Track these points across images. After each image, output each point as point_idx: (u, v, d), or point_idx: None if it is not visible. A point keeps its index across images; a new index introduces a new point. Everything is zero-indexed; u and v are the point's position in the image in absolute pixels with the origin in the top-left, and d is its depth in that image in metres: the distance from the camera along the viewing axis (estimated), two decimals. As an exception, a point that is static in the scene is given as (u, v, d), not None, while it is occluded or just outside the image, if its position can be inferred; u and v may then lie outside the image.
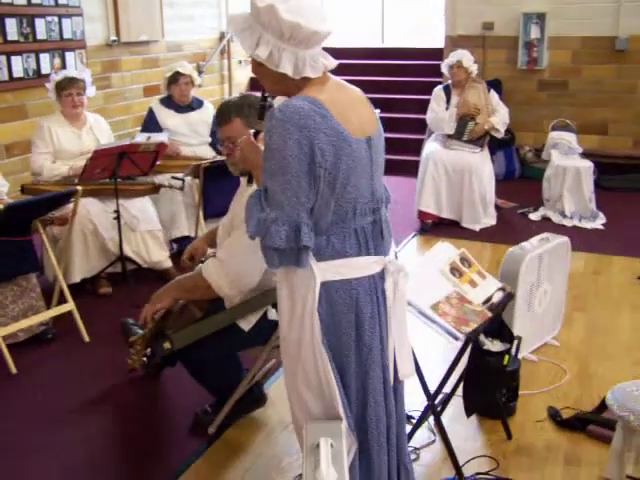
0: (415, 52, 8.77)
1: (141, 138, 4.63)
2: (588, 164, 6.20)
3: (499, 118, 6.01)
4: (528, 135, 7.71)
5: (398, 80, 8.63)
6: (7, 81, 5.85)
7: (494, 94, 6.14)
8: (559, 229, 6.03)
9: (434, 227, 6.01)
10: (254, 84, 8.98)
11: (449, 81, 6.18)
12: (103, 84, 6.83)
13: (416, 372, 2.73)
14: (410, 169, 6.95)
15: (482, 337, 2.81)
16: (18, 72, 5.92)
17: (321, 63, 2.01)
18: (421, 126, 6.57)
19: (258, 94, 2.29)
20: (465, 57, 5.97)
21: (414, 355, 2.67)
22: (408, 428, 2.85)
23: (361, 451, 2.17)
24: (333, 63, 2.07)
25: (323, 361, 2.05)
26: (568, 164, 6.19)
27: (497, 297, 2.88)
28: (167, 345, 2.80)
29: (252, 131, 2.27)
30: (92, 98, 5.13)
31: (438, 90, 6.18)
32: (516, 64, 7.77)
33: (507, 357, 2.80)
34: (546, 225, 6.12)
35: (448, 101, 6.08)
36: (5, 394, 3.57)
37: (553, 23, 7.50)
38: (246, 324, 2.92)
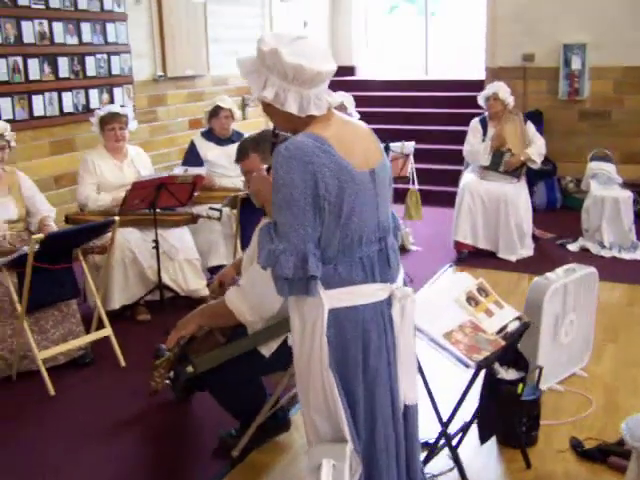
0: (456, 84, 8.85)
1: (179, 170, 4.80)
2: (627, 194, 6.17)
3: (535, 149, 6.03)
4: (569, 165, 7.68)
5: (439, 112, 8.71)
6: (58, 116, 6.11)
7: (530, 125, 6.17)
8: (597, 260, 6.01)
9: (471, 257, 6.04)
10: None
11: (486, 113, 6.23)
12: (149, 117, 7.08)
13: (429, 398, 2.81)
14: (449, 200, 6.99)
15: (497, 366, 2.85)
16: (68, 107, 6.19)
17: (325, 101, 2.12)
18: (460, 157, 6.62)
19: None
20: (501, 89, 6.03)
21: (426, 381, 2.76)
22: (424, 453, 2.92)
23: (370, 474, 2.23)
24: (337, 100, 2.19)
25: (330, 384, 2.13)
26: (606, 194, 6.17)
27: (512, 326, 2.92)
28: (190, 369, 2.91)
29: (265, 166, 2.39)
30: (138, 131, 5.33)
31: (475, 122, 6.24)
32: (557, 94, 7.79)
33: (521, 386, 2.83)
34: (584, 256, 6.09)
35: (485, 133, 6.14)
36: (43, 414, 3.73)
37: (594, 54, 7.52)
38: (267, 350, 3.02)
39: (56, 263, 3.98)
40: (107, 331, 4.25)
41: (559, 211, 7.63)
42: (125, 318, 4.87)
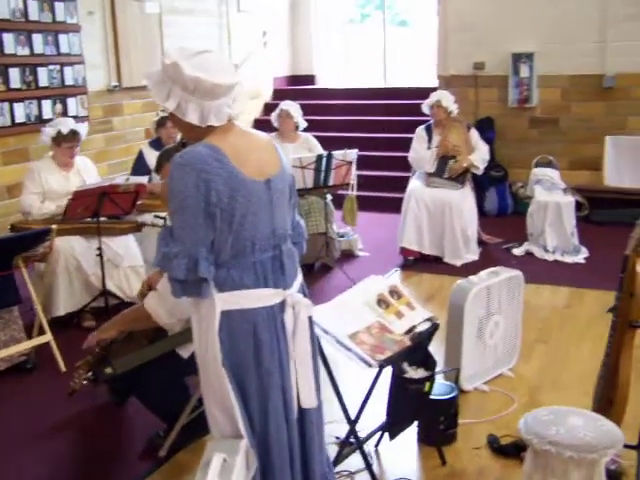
0: (411, 92, 8.99)
1: (120, 180, 4.89)
2: (569, 199, 6.33)
3: (478, 155, 6.18)
4: (520, 171, 7.82)
5: (395, 119, 8.86)
6: (10, 126, 6.19)
7: (474, 132, 6.32)
8: (540, 263, 6.18)
9: (416, 263, 6.17)
10: (259, 124, 9.24)
11: (431, 120, 6.37)
12: (104, 127, 7.17)
13: (337, 397, 2.92)
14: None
15: (405, 365, 2.96)
16: (20, 117, 6.27)
17: (225, 112, 2.23)
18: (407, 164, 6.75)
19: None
20: (444, 97, 6.18)
21: (334, 381, 2.87)
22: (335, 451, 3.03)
23: (265, 469, 2.32)
24: (237, 112, 2.29)
25: (223, 381, 2.23)
26: (549, 199, 6.33)
27: (422, 327, 3.04)
28: (109, 370, 3.01)
29: None
30: (93, 140, 5.36)
31: (420, 130, 6.38)
32: (507, 102, 7.96)
33: (428, 384, 2.95)
34: (528, 260, 6.25)
35: (430, 140, 6.28)
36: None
37: (541, 62, 7.70)
38: (185, 352, 3.13)
39: (-3, 271, 4.07)
40: (47, 337, 4.33)
41: (510, 216, 7.77)
42: (72, 325, 4.94)
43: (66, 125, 5.01)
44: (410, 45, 11.82)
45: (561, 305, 5.28)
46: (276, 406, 2.29)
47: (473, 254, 6.20)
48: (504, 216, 7.79)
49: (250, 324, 2.23)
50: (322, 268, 6.13)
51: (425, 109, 6.35)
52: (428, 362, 3.03)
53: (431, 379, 3.00)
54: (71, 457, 3.49)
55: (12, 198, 6.19)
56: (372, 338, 2.85)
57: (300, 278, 2.43)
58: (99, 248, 4.78)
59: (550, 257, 6.24)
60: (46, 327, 4.36)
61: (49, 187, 5.03)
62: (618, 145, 5.05)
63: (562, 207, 6.27)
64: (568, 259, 6.19)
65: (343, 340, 2.78)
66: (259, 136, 2.37)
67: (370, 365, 2.73)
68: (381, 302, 3.06)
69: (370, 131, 9.02)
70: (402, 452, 3.40)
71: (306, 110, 8.95)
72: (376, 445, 3.40)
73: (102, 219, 4.85)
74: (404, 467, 3.28)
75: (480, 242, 6.55)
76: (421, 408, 3.08)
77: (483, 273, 4.03)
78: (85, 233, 4.97)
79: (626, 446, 3.19)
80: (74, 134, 5.00)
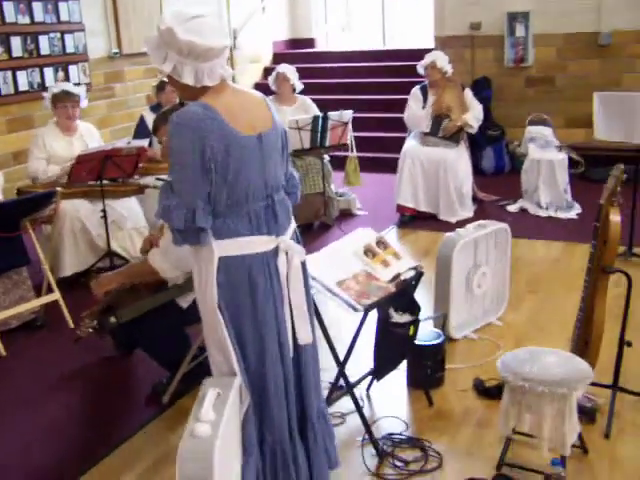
0: (410, 53, 9.05)
1: (121, 143, 5.04)
2: (562, 156, 6.45)
3: (472, 115, 6.29)
4: (517, 130, 7.89)
5: (394, 81, 8.94)
6: (13, 94, 6.34)
7: (468, 92, 6.43)
8: (534, 219, 6.34)
9: (412, 220, 6.33)
10: (259, 88, 9.34)
11: (426, 81, 6.48)
12: (106, 94, 7.31)
13: (327, 341, 3.10)
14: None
15: (391, 310, 3.14)
16: (23, 85, 6.43)
17: (218, 73, 2.37)
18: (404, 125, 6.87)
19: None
20: (439, 58, 6.28)
21: (324, 326, 3.05)
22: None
23: (262, 406, 2.52)
24: (229, 72, 2.44)
25: (219, 323, 2.41)
26: (543, 157, 6.45)
27: (407, 275, 3.21)
28: (113, 319, 3.21)
29: None
30: (96, 107, 5.49)
31: (415, 90, 6.50)
32: (503, 62, 8.04)
33: (412, 328, 3.13)
34: (522, 216, 6.41)
35: (425, 100, 6.39)
36: (-6, 372, 4.05)
37: (537, 21, 7.77)
38: (185, 302, 3.32)
39: (4, 232, 4.24)
40: (55, 295, 4.53)
41: (507, 175, 7.90)
42: (78, 284, 5.13)
43: (59, 87, 5.18)
44: (412, 6, 11.79)
45: (552, 258, 5.44)
46: (271, 346, 2.46)
47: (468, 211, 6.35)
48: (501, 174, 7.92)
49: (245, 269, 2.40)
50: (321, 227, 6.29)
51: (420, 70, 6.45)
52: (413, 308, 3.21)
53: (415, 323, 3.17)
54: (80, 405, 3.71)
55: (18, 164, 6.37)
56: (358, 285, 3.02)
57: (293, 226, 2.59)
58: (103, 210, 4.95)
59: (544, 213, 6.39)
60: (54, 286, 4.56)
61: (53, 152, 5.21)
62: (606, 101, 5.14)
63: (555, 164, 6.40)
64: (561, 215, 6.33)
65: (331, 286, 2.95)
66: (252, 94, 2.52)
67: (356, 309, 2.91)
68: (368, 252, 3.22)
69: (368, 93, 9.11)
70: (392, 395, 3.60)
71: (305, 73, 9.07)
72: (367, 389, 3.59)
73: (105, 182, 5.01)
74: (394, 409, 3.48)
75: (476, 200, 6.70)
76: (406, 351, 3.27)
77: (470, 226, 4.18)
78: (89, 196, 5.13)
79: (602, 385, 3.41)
80: (66, 94, 5.17)
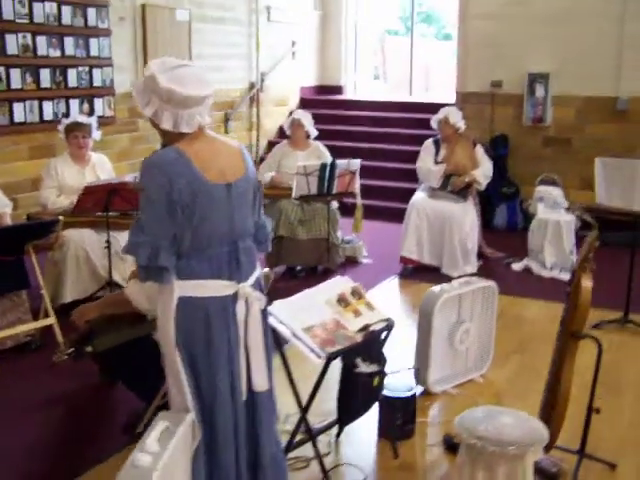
0: (432, 107, 9.17)
1: (130, 177, 5.20)
2: (569, 218, 6.48)
3: (481, 171, 6.37)
4: (532, 189, 7.90)
5: (413, 133, 9.07)
6: (37, 122, 6.59)
7: (479, 148, 6.51)
8: (537, 279, 6.35)
9: (415, 271, 6.38)
10: (282, 133, 9.54)
11: (439, 135, 6.58)
12: (130, 128, 7.54)
13: (291, 387, 3.17)
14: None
15: (358, 360, 3.19)
16: (48, 115, 6.67)
17: (196, 121, 2.49)
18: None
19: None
20: (451, 114, 6.38)
21: (290, 374, 3.12)
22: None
23: (210, 445, 2.56)
24: (207, 120, 2.55)
25: (176, 360, 2.50)
26: (550, 217, 6.49)
27: (377, 326, 3.27)
28: (89, 348, 3.30)
29: None
30: (119, 140, 5.66)
31: (428, 142, 6.60)
32: (522, 120, 8.13)
33: (377, 379, 3.17)
34: (525, 275, 6.44)
35: (437, 153, 6.48)
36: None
37: (556, 82, 7.86)
38: (160, 337, 3.39)
39: (6, 256, 4.39)
40: (51, 320, 4.65)
41: (519, 232, 7.89)
42: (78, 312, 5.26)
43: (73, 117, 5.38)
44: (440, 60, 12.04)
45: (547, 319, 5.41)
46: (223, 388, 2.52)
47: (471, 266, 6.37)
48: (513, 232, 7.94)
49: (203, 310, 2.48)
50: (325, 271, 6.37)
51: (434, 124, 6.55)
52: (380, 359, 3.26)
53: (380, 375, 3.22)
54: (60, 429, 3.81)
55: (35, 191, 6.55)
56: (325, 332, 3.09)
57: (257, 273, 2.66)
58: (107, 241, 5.09)
59: (547, 274, 6.40)
60: (50, 311, 4.68)
61: (64, 181, 5.38)
62: (607, 166, 5.20)
63: (562, 225, 6.42)
64: (565, 276, 6.31)
65: (297, 332, 3.03)
66: (227, 144, 2.62)
67: (319, 356, 2.97)
68: (341, 301, 3.30)
69: (392, 142, 9.25)
70: (361, 443, 3.64)
71: (330, 119, 9.26)
72: (337, 435, 3.63)
73: (112, 214, 5.16)
74: (360, 457, 3.51)
75: (483, 256, 6.74)
76: (370, 401, 3.31)
77: (456, 282, 4.23)
78: (95, 226, 5.28)
79: (568, 450, 3.42)
80: (77, 124, 5.36)
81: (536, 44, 7.95)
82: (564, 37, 7.81)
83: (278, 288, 5.11)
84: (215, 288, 2.50)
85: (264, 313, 2.65)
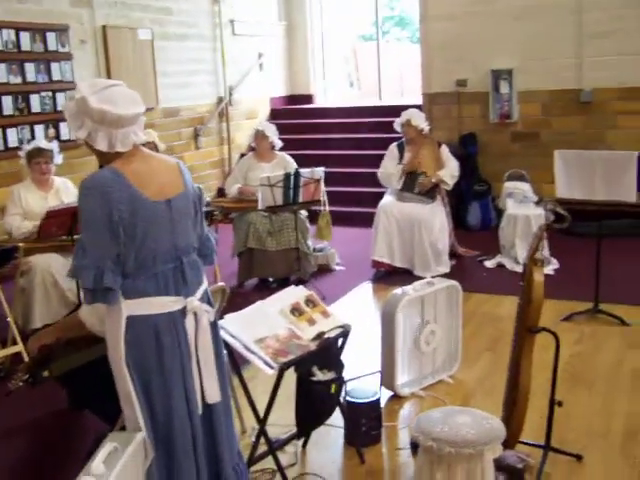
0: (402, 109, 9.19)
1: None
2: (538, 212, 6.48)
3: (448, 171, 6.38)
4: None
5: (384, 137, 9.07)
6: (2, 151, 6.57)
7: (444, 149, 6.53)
8: (510, 275, 6.34)
9: (387, 275, 6.37)
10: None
11: (404, 138, 6.60)
12: (96, 150, 7.50)
13: (247, 398, 3.16)
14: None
15: (314, 369, 3.18)
16: (13, 142, 6.65)
17: (131, 140, 2.48)
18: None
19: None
20: (414, 116, 6.40)
21: (244, 383, 3.11)
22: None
23: (170, 460, 2.56)
24: (142, 138, 2.55)
25: (126, 380, 2.49)
26: (519, 212, 6.51)
27: (332, 333, 3.26)
28: (46, 373, 3.28)
29: None
30: (87, 163, 5.60)
31: (392, 147, 6.62)
32: (489, 118, 8.15)
33: (334, 386, 3.16)
34: (499, 272, 6.44)
35: (401, 157, 6.50)
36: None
37: (521, 78, 7.90)
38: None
39: (-33, 286, 4.39)
40: (18, 347, 4.64)
41: (493, 230, 7.89)
42: (49, 337, 5.24)
43: (34, 144, 5.36)
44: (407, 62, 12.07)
45: (518, 315, 5.43)
46: (178, 403, 2.52)
47: (444, 267, 6.37)
48: (487, 229, 7.95)
49: (152, 328, 2.48)
50: (298, 282, 6.35)
51: (397, 127, 6.57)
52: (338, 366, 3.25)
53: (337, 381, 3.21)
54: (25, 457, 3.78)
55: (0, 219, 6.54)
56: (278, 343, 3.08)
57: (204, 286, 2.65)
58: (74, 264, 5.07)
59: (520, 269, 6.31)
60: (18, 338, 4.67)
61: (29, 207, 5.36)
62: (566, 159, 5.22)
63: (532, 219, 6.44)
64: (538, 270, 6.33)
65: (249, 344, 3.02)
66: (164, 160, 2.62)
67: (271, 367, 2.96)
68: (295, 310, 3.29)
69: (364, 148, 9.26)
70: (328, 451, 3.63)
71: (302, 128, 9.27)
72: (304, 445, 3.62)
73: (77, 237, 5.14)
74: (327, 465, 3.50)
75: (456, 255, 6.75)
76: (328, 409, 3.30)
77: (418, 283, 4.23)
78: (61, 250, 5.26)
79: (533, 445, 3.41)
80: (39, 150, 5.34)
81: (498, 41, 8.00)
82: (525, 33, 7.85)
83: (251, 301, 5.10)
84: (163, 305, 2.50)
85: (214, 325, 2.66)
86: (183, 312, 2.53)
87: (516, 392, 3.31)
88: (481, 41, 8.08)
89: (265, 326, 3.16)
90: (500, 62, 7.97)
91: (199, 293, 2.61)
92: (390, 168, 6.46)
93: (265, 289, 6.21)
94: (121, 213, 2.38)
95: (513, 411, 3.33)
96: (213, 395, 2.61)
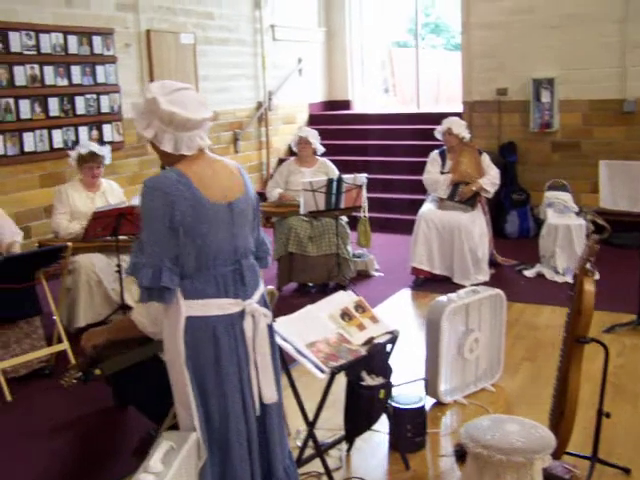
0: (439, 117, 9.19)
1: (136, 201, 5.25)
2: (579, 222, 6.45)
3: (488, 179, 6.37)
4: (542, 195, 7.95)
5: (421, 144, 9.08)
6: (48, 151, 6.68)
7: (485, 156, 6.51)
8: (549, 285, 6.32)
9: (426, 282, 6.37)
10: (292, 150, 9.60)
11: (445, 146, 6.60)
12: (138, 152, 7.61)
13: (297, 401, 3.18)
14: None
15: (364, 373, 3.20)
16: (58, 143, 6.76)
17: (197, 143, 2.52)
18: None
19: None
20: (454, 124, 6.40)
21: (294, 386, 3.14)
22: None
23: (225, 461, 2.58)
24: (207, 142, 2.57)
25: (184, 380, 2.52)
26: (560, 222, 6.47)
27: (381, 339, 3.28)
28: (97, 371, 3.34)
29: None
30: (128, 164, 5.66)
31: (434, 154, 6.62)
32: (529, 127, 8.12)
33: (382, 392, 3.18)
34: (538, 281, 6.41)
35: (443, 164, 6.50)
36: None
37: (562, 87, 7.85)
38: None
39: (17, 283, 4.45)
40: (64, 345, 4.71)
41: (531, 239, 7.87)
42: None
43: (86, 147, 5.42)
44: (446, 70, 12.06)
45: (559, 325, 5.38)
46: (234, 405, 2.54)
47: (483, 275, 6.36)
48: (525, 238, 7.92)
49: (210, 329, 2.51)
50: (337, 287, 6.36)
51: (438, 135, 6.58)
52: (386, 371, 3.27)
53: (386, 387, 3.23)
54: (72, 454, 3.83)
55: (47, 218, 6.65)
56: (329, 347, 3.11)
57: (262, 289, 2.68)
58: (118, 265, 5.15)
59: (560, 279, 6.38)
60: (63, 336, 4.74)
61: (75, 207, 5.45)
62: (612, 169, 5.20)
63: (572, 229, 6.40)
64: (577, 281, 6.29)
65: (300, 348, 3.04)
66: (226, 164, 2.65)
67: (322, 371, 2.99)
68: (345, 315, 3.32)
69: (401, 155, 9.27)
70: (373, 456, 3.64)
71: (339, 134, 9.29)
72: (348, 449, 3.64)
73: (122, 237, 5.23)
74: (371, 470, 3.51)
75: (495, 264, 6.73)
76: (377, 414, 3.31)
77: (462, 291, 4.23)
78: (105, 251, 5.35)
79: (580, 456, 3.40)
80: (92, 155, 5.41)
81: (539, 50, 7.96)
82: (567, 41, 7.82)
83: (291, 305, 5.13)
84: (221, 306, 2.53)
85: (270, 328, 2.69)
86: (241, 315, 2.56)
87: (564, 402, 3.30)
88: (522, 50, 8.05)
89: (315, 330, 3.19)
90: (541, 71, 7.94)
91: (257, 296, 2.64)
92: (435, 174, 6.46)
93: (304, 294, 6.25)
94: (183, 214, 2.42)
95: (560, 421, 3.32)
96: (270, 395, 2.63)
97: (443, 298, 4.16)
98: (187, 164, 2.51)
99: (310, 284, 6.37)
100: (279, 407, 2.74)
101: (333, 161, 6.78)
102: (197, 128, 2.50)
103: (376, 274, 6.74)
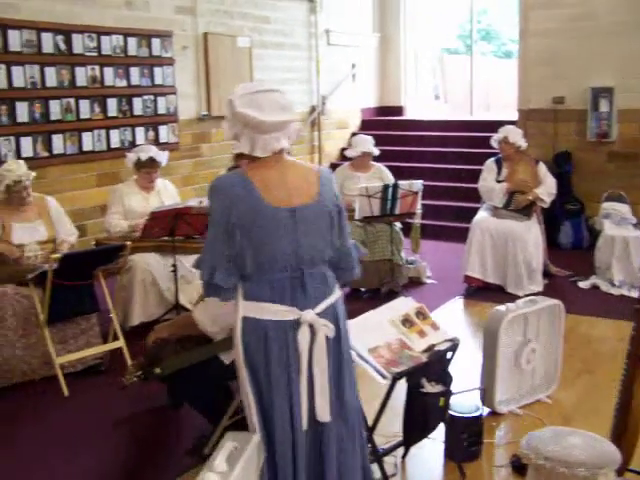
0: (493, 125, 9.11)
1: (194, 202, 5.30)
2: (638, 234, 6.33)
3: (544, 189, 6.29)
4: (597, 205, 7.78)
5: (474, 152, 9.01)
6: (105, 151, 6.79)
7: (542, 166, 6.44)
8: (605, 297, 6.22)
9: (479, 291, 6.31)
10: (343, 155, 9.62)
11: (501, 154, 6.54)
12: (193, 153, 7.70)
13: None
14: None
15: (423, 380, 3.18)
16: (115, 143, 6.86)
17: (272, 146, 2.51)
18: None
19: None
20: (511, 133, 6.34)
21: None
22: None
23: (272, 467, 2.55)
24: (284, 145, 2.54)
25: (244, 379, 2.55)
26: (617, 234, 6.36)
27: (442, 346, 3.26)
28: (157, 370, 3.37)
29: None
30: (182, 166, 5.70)
31: (490, 162, 6.56)
32: (586, 136, 8.00)
33: (442, 399, 3.16)
34: (593, 293, 6.31)
35: (499, 173, 6.44)
36: (54, 412, 4.30)
37: (621, 97, 7.72)
38: (227, 357, 3.44)
39: (75, 281, 4.52)
40: (119, 343, 4.77)
41: (585, 250, 7.75)
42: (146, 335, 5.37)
43: (146, 152, 5.47)
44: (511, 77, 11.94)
45: (616, 338, 5.30)
46: (281, 415, 2.51)
47: (537, 285, 6.27)
48: (579, 249, 7.79)
49: (262, 333, 2.50)
50: (389, 293, 6.34)
51: (494, 143, 6.51)
52: (446, 379, 3.24)
53: (446, 395, 3.20)
54: (126, 451, 3.87)
55: (104, 217, 6.74)
56: (390, 353, 3.09)
57: (330, 301, 2.58)
58: (174, 265, 5.21)
59: (616, 291, 6.27)
60: (119, 333, 4.80)
61: (130, 207, 5.52)
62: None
63: (630, 241, 6.29)
64: (634, 294, 6.18)
65: (362, 353, 3.03)
66: (302, 169, 2.61)
67: (384, 377, 2.98)
68: (406, 321, 3.30)
69: (453, 162, 9.22)
70: (428, 465, 3.61)
71: (392, 140, 9.26)
72: (403, 456, 3.61)
73: (178, 238, 5.28)
74: (426, 478, 3.49)
75: (549, 274, 6.64)
76: (435, 421, 3.29)
77: (521, 301, 4.18)
78: (161, 250, 5.41)
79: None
80: (152, 161, 5.46)
81: (597, 58, 7.83)
82: (626, 50, 7.66)
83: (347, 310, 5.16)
84: (274, 312, 2.51)
85: (338, 340, 2.59)
86: (297, 324, 2.51)
87: (628, 417, 3.23)
88: (580, 58, 7.93)
89: (377, 335, 3.18)
90: (599, 80, 7.81)
91: (320, 307, 2.55)
92: (491, 182, 6.40)
93: (357, 299, 6.23)
94: (240, 216, 2.44)
95: (622, 438, 3.25)
96: (323, 414, 2.55)
97: (502, 307, 4.12)
98: (257, 166, 2.53)
99: (362, 289, 6.35)
100: (347, 428, 2.62)
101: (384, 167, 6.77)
102: (275, 131, 2.49)
103: (428, 281, 6.70)
